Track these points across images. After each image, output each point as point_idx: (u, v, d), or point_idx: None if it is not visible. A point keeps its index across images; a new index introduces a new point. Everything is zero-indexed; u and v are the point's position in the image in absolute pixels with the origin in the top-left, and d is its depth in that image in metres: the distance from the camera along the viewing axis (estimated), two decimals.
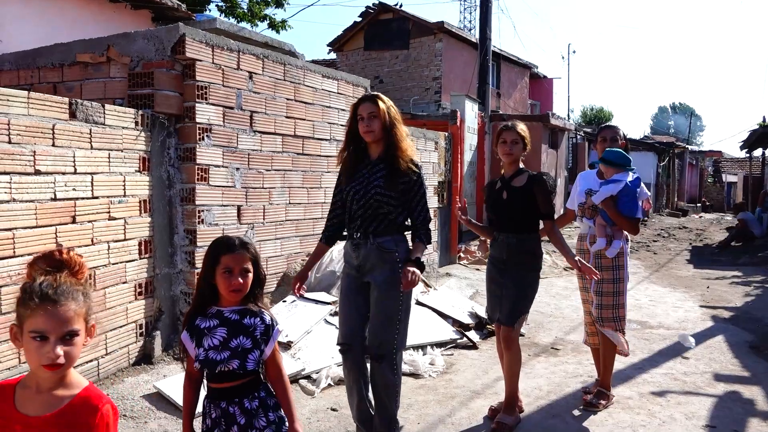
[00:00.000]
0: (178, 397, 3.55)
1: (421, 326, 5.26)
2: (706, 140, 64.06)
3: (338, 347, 3.11)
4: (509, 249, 3.57)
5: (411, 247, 3.03)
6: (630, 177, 3.77)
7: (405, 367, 4.51)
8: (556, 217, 3.74)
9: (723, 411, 3.90)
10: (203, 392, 2.14)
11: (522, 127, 3.62)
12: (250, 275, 2.09)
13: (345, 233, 3.15)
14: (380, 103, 2.98)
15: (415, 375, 4.48)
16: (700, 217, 24.87)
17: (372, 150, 3.06)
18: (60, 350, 1.42)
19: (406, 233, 3.06)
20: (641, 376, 4.58)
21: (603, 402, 3.91)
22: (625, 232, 3.87)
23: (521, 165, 3.64)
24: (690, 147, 35.28)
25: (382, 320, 2.98)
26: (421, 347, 4.93)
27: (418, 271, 2.86)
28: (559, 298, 7.44)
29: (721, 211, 31.26)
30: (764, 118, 17.86)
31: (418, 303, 5.73)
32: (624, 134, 4.03)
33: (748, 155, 24.66)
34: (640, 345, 5.44)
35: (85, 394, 1.50)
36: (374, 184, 2.98)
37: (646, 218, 17.25)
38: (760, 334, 5.86)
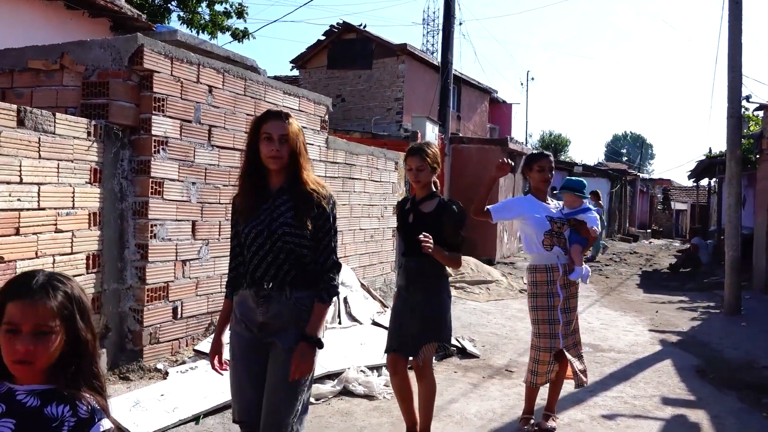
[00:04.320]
0: (122, 420, 3.42)
1: (377, 346, 5.21)
2: (656, 168, 66.51)
3: (238, 425, 2.54)
4: (409, 274, 3.39)
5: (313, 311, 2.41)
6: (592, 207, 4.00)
7: (359, 389, 4.46)
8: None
9: None
10: None
11: (431, 150, 3.45)
12: (54, 338, 1.35)
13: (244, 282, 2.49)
14: (293, 124, 2.40)
15: (369, 396, 4.42)
16: (650, 242, 25.63)
17: (273, 179, 2.46)
18: None
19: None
20: (592, 399, 4.64)
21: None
22: None
23: (433, 188, 3.48)
24: (641, 175, 36.50)
25: (285, 395, 2.37)
26: (376, 368, 4.89)
27: (314, 359, 2.35)
28: (514, 320, 7.51)
29: (670, 237, 32.33)
30: (710, 149, 18.63)
31: (374, 323, 5.69)
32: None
33: (695, 184, 25.66)
34: (591, 368, 5.50)
35: None
36: (280, 221, 2.39)
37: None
38: (705, 358, 6.03)
